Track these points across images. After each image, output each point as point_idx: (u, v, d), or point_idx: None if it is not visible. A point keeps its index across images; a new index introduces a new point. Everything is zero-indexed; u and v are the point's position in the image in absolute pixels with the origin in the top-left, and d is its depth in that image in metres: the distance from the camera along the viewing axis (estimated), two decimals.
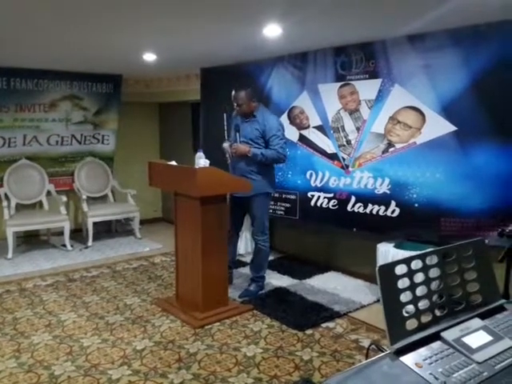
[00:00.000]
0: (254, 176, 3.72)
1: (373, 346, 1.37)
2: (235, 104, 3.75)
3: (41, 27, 3.19)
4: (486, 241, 1.43)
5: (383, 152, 3.82)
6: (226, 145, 3.84)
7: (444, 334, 1.16)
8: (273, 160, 3.70)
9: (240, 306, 3.64)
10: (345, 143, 4.09)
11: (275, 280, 4.25)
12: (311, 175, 4.37)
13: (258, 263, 3.93)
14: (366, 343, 3.04)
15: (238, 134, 3.75)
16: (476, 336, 1.16)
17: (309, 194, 4.39)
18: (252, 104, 3.74)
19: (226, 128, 3.85)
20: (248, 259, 4.31)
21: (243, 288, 3.97)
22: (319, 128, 4.27)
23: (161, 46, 3.99)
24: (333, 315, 3.50)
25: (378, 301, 3.69)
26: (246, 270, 4.26)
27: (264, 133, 3.69)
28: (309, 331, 3.25)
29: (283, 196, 4.62)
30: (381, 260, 3.59)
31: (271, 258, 4.81)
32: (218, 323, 3.38)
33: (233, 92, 3.77)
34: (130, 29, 3.28)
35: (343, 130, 4.09)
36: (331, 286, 4.11)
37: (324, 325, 3.36)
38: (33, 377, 2.69)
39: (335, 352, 2.95)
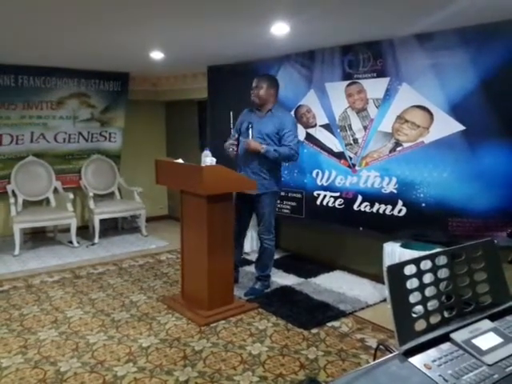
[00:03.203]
0: (264, 175, 3.69)
1: (381, 346, 1.36)
2: (253, 90, 3.67)
3: (49, 25, 3.19)
4: (495, 241, 1.41)
5: (390, 151, 3.80)
6: (227, 143, 3.79)
7: (453, 336, 1.14)
8: (286, 157, 3.63)
9: (245, 304, 3.64)
10: (352, 142, 4.08)
11: (281, 278, 4.25)
12: (317, 174, 4.35)
13: (264, 262, 3.92)
14: (371, 343, 3.03)
15: (251, 130, 3.65)
16: (486, 338, 1.15)
17: (315, 193, 4.38)
18: (271, 92, 3.68)
19: (231, 126, 3.83)
20: (253, 257, 4.31)
21: (249, 286, 3.97)
22: (326, 127, 4.26)
23: (168, 44, 3.99)
24: (338, 314, 3.49)
25: (384, 300, 3.68)
26: (252, 269, 4.26)
27: (279, 129, 3.63)
28: (314, 330, 3.25)
29: (289, 195, 4.61)
30: (387, 260, 3.57)
31: (277, 256, 4.80)
32: (223, 321, 3.38)
33: (255, 78, 3.72)
34: (137, 27, 3.28)
35: (350, 128, 4.07)
36: (337, 285, 4.10)
37: (329, 324, 3.35)
38: (39, 373, 2.70)
39: (341, 351, 2.94)
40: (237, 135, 3.81)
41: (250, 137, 3.66)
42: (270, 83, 3.70)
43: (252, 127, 3.66)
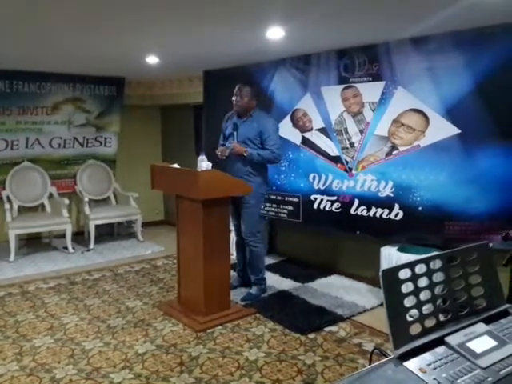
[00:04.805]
0: (250, 177, 3.72)
1: (376, 351, 1.36)
2: (236, 97, 3.74)
3: (44, 30, 3.19)
4: (490, 244, 1.41)
5: (387, 155, 3.81)
6: (218, 151, 3.82)
7: (448, 339, 1.14)
8: (268, 160, 3.72)
9: (242, 310, 3.63)
10: (348, 146, 4.08)
11: (278, 283, 4.23)
12: (314, 178, 4.35)
13: (254, 265, 3.88)
14: (369, 347, 3.02)
15: (235, 133, 3.75)
16: (480, 341, 1.15)
17: (312, 197, 4.37)
18: (252, 102, 3.77)
19: (222, 131, 3.85)
20: None
21: (245, 291, 3.95)
22: (322, 130, 4.26)
23: (164, 49, 3.99)
24: (336, 319, 3.48)
25: (381, 304, 3.64)
26: None
27: (261, 133, 3.70)
28: (311, 335, 3.23)
29: (286, 199, 4.61)
30: (384, 263, 3.57)
31: (273, 260, 4.81)
32: (220, 327, 3.37)
33: (237, 86, 3.77)
34: (133, 32, 3.29)
35: (346, 132, 4.08)
36: (334, 289, 4.09)
37: (327, 329, 3.34)
38: (34, 380, 2.68)
39: (338, 356, 2.93)
40: (221, 142, 3.94)
41: (235, 140, 3.74)
42: (251, 94, 3.77)
43: (237, 130, 3.77)
